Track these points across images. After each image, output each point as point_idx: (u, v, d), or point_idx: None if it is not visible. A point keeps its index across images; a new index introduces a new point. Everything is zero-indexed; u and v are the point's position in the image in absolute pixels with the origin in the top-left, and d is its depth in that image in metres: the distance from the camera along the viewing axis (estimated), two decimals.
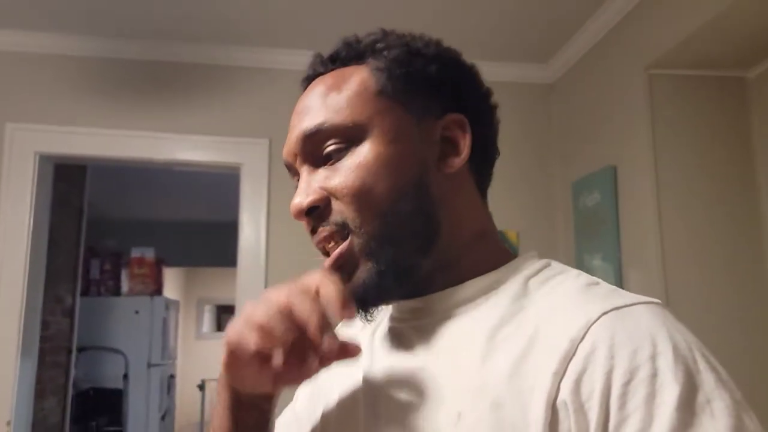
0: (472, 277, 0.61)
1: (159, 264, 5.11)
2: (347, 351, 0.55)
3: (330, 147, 0.60)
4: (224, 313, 9.29)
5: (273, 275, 2.34)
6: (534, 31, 2.27)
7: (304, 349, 0.53)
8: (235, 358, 0.54)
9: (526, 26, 2.24)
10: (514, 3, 2.08)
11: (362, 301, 0.59)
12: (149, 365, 4.81)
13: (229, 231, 5.15)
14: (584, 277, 0.59)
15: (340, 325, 0.70)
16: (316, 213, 0.60)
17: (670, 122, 1.90)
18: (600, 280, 0.58)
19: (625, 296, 0.54)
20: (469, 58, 0.68)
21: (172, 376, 5.62)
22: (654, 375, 0.47)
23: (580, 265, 2.16)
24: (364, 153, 0.59)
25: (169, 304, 5.42)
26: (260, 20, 2.22)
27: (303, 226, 0.62)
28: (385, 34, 0.65)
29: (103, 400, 4.58)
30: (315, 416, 0.68)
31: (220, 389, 0.61)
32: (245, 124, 2.43)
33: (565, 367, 0.49)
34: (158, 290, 5.09)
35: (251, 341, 0.52)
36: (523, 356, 0.52)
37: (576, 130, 2.37)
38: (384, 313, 0.68)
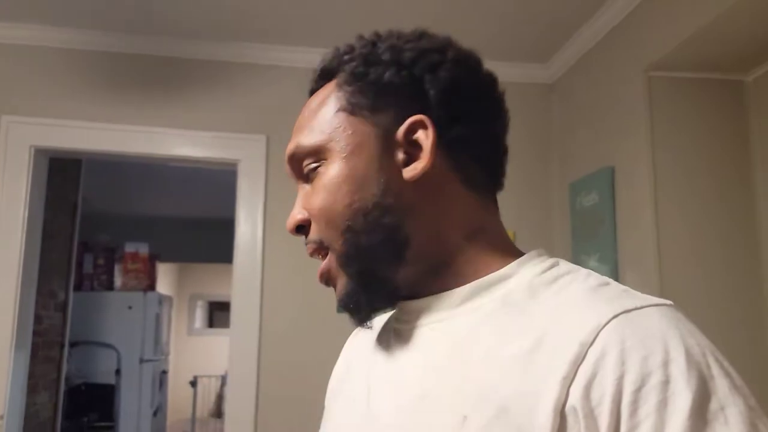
0: (470, 278, 0.60)
1: (153, 259, 5.10)
2: None
3: (307, 167, 0.63)
4: (216, 309, 9.27)
5: (269, 272, 2.34)
6: (534, 31, 2.27)
7: None
8: None
9: (526, 26, 2.24)
10: (515, 3, 2.08)
11: (349, 311, 0.62)
12: (142, 361, 4.79)
13: (223, 227, 5.14)
14: (594, 278, 0.57)
15: (355, 332, 0.71)
16: (303, 230, 0.64)
17: (669, 124, 1.90)
18: (610, 280, 0.57)
19: (636, 298, 0.53)
20: None
21: (164, 372, 5.61)
22: (666, 381, 0.46)
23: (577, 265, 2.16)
24: (327, 172, 0.61)
25: (162, 300, 5.40)
26: (260, 17, 2.21)
27: None
28: (357, 42, 0.65)
29: (95, 396, 4.56)
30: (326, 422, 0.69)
31: None
32: (243, 121, 2.42)
33: (575, 371, 0.48)
34: (151, 286, 5.07)
35: None
36: (529, 359, 0.51)
37: (575, 131, 2.38)
38: (391, 315, 0.68)
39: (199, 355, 8.50)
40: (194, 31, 2.33)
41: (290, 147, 0.64)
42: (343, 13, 2.16)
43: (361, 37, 0.65)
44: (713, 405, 0.45)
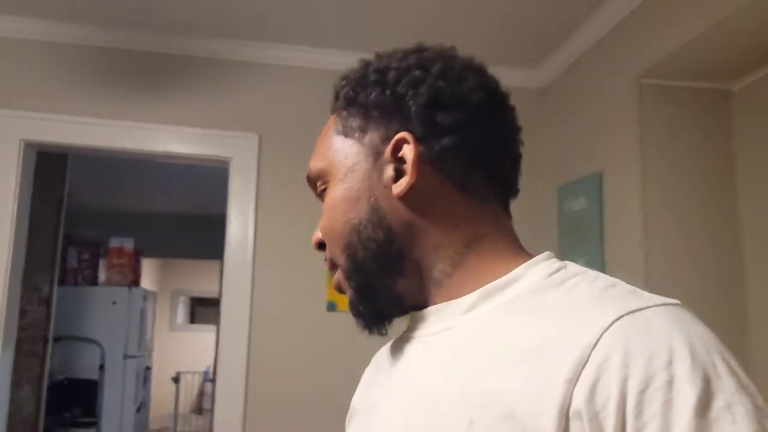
0: (475, 285, 0.61)
1: (137, 255, 5.06)
2: None
3: (319, 188, 0.69)
4: (198, 305, 9.23)
5: (260, 270, 2.35)
6: (526, 35, 2.30)
7: None
8: None
9: (518, 31, 2.27)
10: (507, 7, 2.10)
11: (356, 318, 0.67)
12: (126, 356, 4.77)
13: (208, 223, 5.12)
14: (601, 280, 0.57)
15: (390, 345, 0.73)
16: (323, 247, 0.70)
17: (658, 131, 1.94)
18: (618, 281, 0.57)
19: (642, 298, 0.53)
20: None
21: (148, 368, 5.58)
22: (670, 381, 0.46)
23: None
24: (329, 194, 0.66)
25: (146, 296, 5.37)
26: (256, 15, 2.21)
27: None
28: (356, 66, 0.68)
29: (78, 391, 4.53)
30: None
31: None
32: (236, 119, 2.42)
33: (579, 374, 0.48)
34: (136, 281, 5.04)
35: None
36: (535, 361, 0.51)
37: (564, 135, 2.41)
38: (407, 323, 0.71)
39: (180, 351, 8.46)
40: (189, 28, 2.33)
41: (307, 170, 0.70)
42: (338, 13, 2.17)
43: (361, 60, 0.68)
44: (720, 403, 0.45)
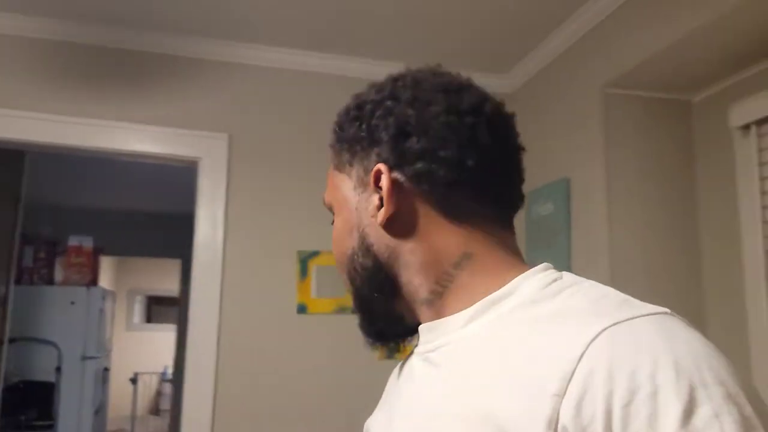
0: (468, 302, 0.62)
1: (96, 253, 4.94)
2: None
3: (332, 221, 0.73)
4: (154, 304, 9.07)
5: (229, 271, 2.33)
6: (496, 42, 2.34)
7: None
8: None
9: (488, 37, 2.30)
10: (477, 13, 2.13)
11: (368, 339, 0.72)
12: (84, 358, 4.65)
13: (169, 221, 5.02)
14: (595, 290, 0.58)
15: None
16: None
17: (623, 139, 2.01)
18: (611, 290, 0.57)
19: (631, 308, 0.53)
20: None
21: (106, 369, 5.45)
22: (655, 393, 0.46)
23: None
24: (334, 226, 0.72)
25: (105, 295, 5.25)
26: (227, 13, 2.19)
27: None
28: (347, 103, 0.71)
29: (33, 394, 4.40)
30: None
31: None
32: (204, 118, 2.40)
33: (565, 388, 0.48)
34: (94, 280, 4.92)
35: None
36: (525, 375, 0.52)
37: (532, 141, 2.45)
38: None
39: (138, 351, 8.30)
40: (158, 25, 2.29)
41: None
42: (309, 12, 2.16)
43: (353, 95, 0.71)
44: (707, 413, 0.45)
